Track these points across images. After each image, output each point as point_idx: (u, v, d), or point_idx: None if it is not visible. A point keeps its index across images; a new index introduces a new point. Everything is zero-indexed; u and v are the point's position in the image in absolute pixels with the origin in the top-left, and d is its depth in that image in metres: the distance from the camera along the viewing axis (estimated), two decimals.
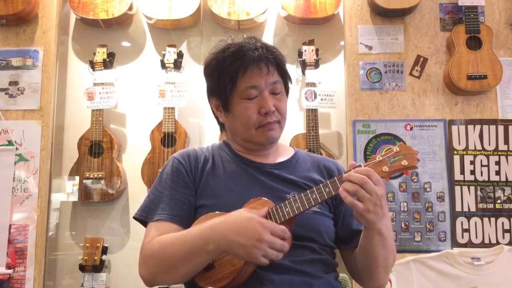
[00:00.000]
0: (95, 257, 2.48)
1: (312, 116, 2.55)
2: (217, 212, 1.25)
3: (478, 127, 2.51)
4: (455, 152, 2.50)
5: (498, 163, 2.48)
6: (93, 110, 2.62)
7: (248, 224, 1.11)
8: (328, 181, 1.19)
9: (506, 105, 2.54)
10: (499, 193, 2.46)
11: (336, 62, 2.78)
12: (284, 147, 1.50)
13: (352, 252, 1.37)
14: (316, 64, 2.61)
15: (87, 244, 2.51)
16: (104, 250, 2.54)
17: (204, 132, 2.74)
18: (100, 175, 2.56)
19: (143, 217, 1.34)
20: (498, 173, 2.47)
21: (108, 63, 2.67)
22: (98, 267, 2.49)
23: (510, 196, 2.46)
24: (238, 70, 1.30)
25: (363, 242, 1.26)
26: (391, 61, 2.60)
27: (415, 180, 2.48)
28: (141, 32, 2.84)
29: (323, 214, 1.33)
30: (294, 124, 2.66)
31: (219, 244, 1.13)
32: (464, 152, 2.49)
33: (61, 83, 2.76)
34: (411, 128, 2.52)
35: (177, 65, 2.64)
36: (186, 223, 1.29)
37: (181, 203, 1.31)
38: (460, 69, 2.45)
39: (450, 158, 2.49)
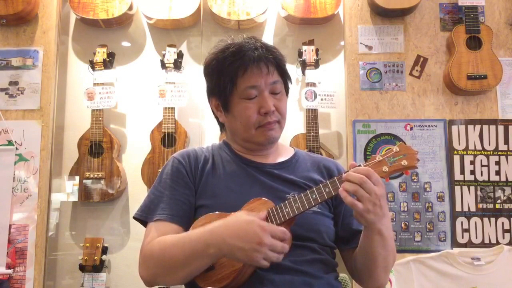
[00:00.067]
0: (95, 257, 2.48)
1: (312, 116, 2.55)
2: (217, 212, 1.25)
3: (478, 127, 2.51)
4: (455, 152, 2.50)
5: (498, 163, 2.48)
6: (93, 110, 2.62)
7: (248, 227, 1.10)
8: (328, 181, 1.19)
9: (506, 105, 2.54)
10: (499, 193, 2.46)
11: (336, 62, 2.77)
12: (284, 147, 1.50)
13: (352, 252, 1.37)
14: (316, 64, 2.61)
15: (87, 244, 2.51)
16: (104, 250, 2.54)
17: (204, 132, 2.74)
18: (100, 175, 2.56)
19: (143, 217, 1.34)
20: (498, 173, 2.47)
21: (108, 63, 2.67)
22: (98, 267, 2.48)
23: (510, 196, 2.46)
24: (238, 70, 1.30)
25: (363, 242, 1.26)
26: (391, 61, 2.60)
27: (415, 180, 2.48)
28: (141, 32, 2.84)
29: (323, 214, 1.33)
30: (294, 124, 2.66)
31: (220, 248, 1.13)
32: (464, 152, 2.49)
33: (61, 83, 2.76)
34: (411, 128, 2.52)
35: (177, 65, 2.64)
36: (186, 223, 1.29)
37: (181, 203, 1.31)
38: (460, 69, 2.45)
39: (450, 158, 2.49)
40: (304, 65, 2.61)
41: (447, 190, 2.47)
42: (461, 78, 2.44)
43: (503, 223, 2.43)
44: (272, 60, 1.33)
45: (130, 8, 2.67)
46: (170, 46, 2.67)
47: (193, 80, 2.71)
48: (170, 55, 2.64)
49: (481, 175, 2.47)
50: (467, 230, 2.43)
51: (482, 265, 2.26)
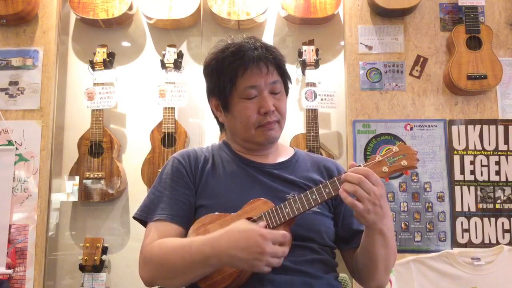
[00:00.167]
0: (95, 257, 2.48)
1: (312, 116, 2.55)
2: (216, 213, 1.25)
3: (478, 127, 2.51)
4: (455, 152, 2.50)
5: (498, 163, 2.48)
6: (93, 110, 2.62)
7: (249, 237, 1.09)
8: (328, 182, 1.19)
9: (506, 105, 2.54)
10: (499, 193, 2.46)
11: (336, 62, 2.77)
12: (284, 147, 1.50)
13: (353, 252, 1.37)
14: (316, 64, 2.61)
15: (87, 244, 2.51)
16: (104, 250, 2.54)
17: (204, 132, 2.74)
18: (100, 175, 2.56)
19: (143, 217, 1.34)
20: (498, 173, 2.47)
21: (108, 63, 2.67)
22: (98, 267, 2.48)
23: (510, 196, 2.46)
24: (238, 70, 1.30)
25: (364, 242, 1.26)
26: (391, 61, 2.60)
27: (415, 180, 2.48)
28: (141, 32, 2.84)
29: (323, 214, 1.33)
30: (294, 124, 2.66)
31: (221, 259, 1.13)
32: (464, 152, 2.49)
33: (61, 83, 2.76)
34: (411, 128, 2.52)
35: (177, 65, 2.64)
36: (186, 223, 1.29)
37: (181, 203, 1.31)
38: (460, 69, 2.45)
39: (450, 158, 2.49)
40: (304, 65, 2.61)
41: (447, 190, 2.47)
42: (461, 78, 2.44)
43: (503, 223, 2.43)
44: (272, 60, 1.33)
45: (130, 8, 2.67)
46: (170, 46, 2.67)
47: (193, 80, 2.71)
48: (170, 55, 2.64)
49: (481, 175, 2.47)
50: (467, 230, 2.43)
51: (482, 265, 2.26)
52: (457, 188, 2.46)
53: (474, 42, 2.49)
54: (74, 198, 2.56)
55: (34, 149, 2.54)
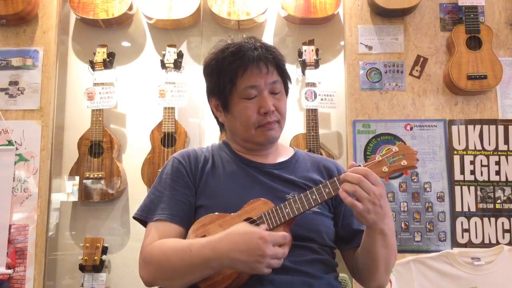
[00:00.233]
0: (95, 257, 2.48)
1: (312, 116, 2.55)
2: (216, 213, 1.25)
3: (478, 127, 2.51)
4: (455, 152, 2.50)
5: (498, 163, 2.48)
6: (93, 110, 2.62)
7: (250, 240, 1.09)
8: (328, 182, 1.19)
9: (506, 105, 2.54)
10: (499, 193, 2.46)
11: (336, 62, 2.77)
12: (284, 147, 1.50)
13: (353, 252, 1.37)
14: (316, 64, 2.61)
15: (87, 244, 2.51)
16: (104, 250, 2.54)
17: (204, 132, 2.74)
18: (100, 175, 2.56)
19: (143, 217, 1.33)
20: (498, 173, 2.47)
21: (108, 63, 2.67)
22: (98, 267, 2.49)
23: (510, 196, 2.46)
24: (238, 70, 1.30)
25: (365, 242, 1.26)
26: (391, 61, 2.60)
27: (415, 180, 2.48)
28: (141, 32, 2.84)
29: (322, 214, 1.33)
30: (294, 124, 2.66)
31: (221, 262, 1.13)
32: (464, 152, 2.49)
33: (61, 83, 2.76)
34: (411, 128, 2.52)
35: (177, 65, 2.64)
36: (186, 223, 1.29)
37: (181, 203, 1.31)
38: (460, 69, 2.45)
39: (450, 158, 2.49)
40: (304, 65, 2.61)
41: (447, 190, 2.47)
42: (461, 78, 2.44)
43: (503, 223, 2.43)
44: (272, 60, 1.33)
45: (130, 8, 2.67)
46: (170, 46, 2.67)
47: (193, 80, 2.71)
48: (170, 55, 2.64)
49: (481, 175, 2.47)
50: (467, 230, 2.43)
51: (482, 265, 2.26)
52: (457, 188, 2.47)
53: (474, 42, 2.49)
54: (74, 198, 2.56)
55: (34, 149, 2.54)
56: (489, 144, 2.49)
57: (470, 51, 2.47)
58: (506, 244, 2.36)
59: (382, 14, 2.60)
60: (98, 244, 2.51)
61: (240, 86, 1.31)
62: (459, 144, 2.50)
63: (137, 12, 2.79)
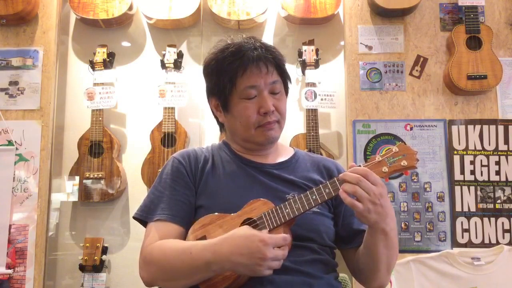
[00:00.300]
0: (95, 257, 2.48)
1: (312, 116, 2.55)
2: (216, 213, 1.25)
3: (478, 127, 2.51)
4: (455, 152, 2.49)
5: (498, 163, 2.48)
6: (93, 110, 2.62)
7: (250, 243, 1.09)
8: (328, 182, 1.18)
9: (506, 105, 2.54)
10: (499, 193, 2.46)
11: (336, 62, 2.77)
12: (284, 147, 1.50)
13: (354, 252, 1.37)
14: (316, 64, 2.61)
15: (87, 244, 2.51)
16: (104, 250, 2.54)
17: (204, 132, 2.74)
18: (100, 175, 2.56)
19: (143, 217, 1.33)
20: (498, 173, 2.47)
21: (108, 63, 2.67)
22: (98, 267, 2.49)
23: (510, 196, 2.46)
24: (238, 70, 1.30)
25: (366, 242, 1.26)
26: (391, 61, 2.60)
27: (415, 180, 2.48)
28: (141, 32, 2.84)
29: (322, 214, 1.33)
30: (294, 124, 2.66)
31: (222, 266, 1.13)
32: (464, 152, 2.49)
33: (61, 83, 2.76)
34: (411, 128, 2.52)
35: (177, 65, 2.64)
36: (186, 224, 1.29)
37: (181, 203, 1.31)
38: (460, 69, 2.45)
39: (450, 158, 2.49)
40: (304, 65, 2.61)
41: (447, 190, 2.47)
42: (461, 78, 2.44)
43: (503, 223, 2.43)
44: (272, 60, 1.33)
45: (130, 8, 2.67)
46: (170, 46, 2.67)
47: (193, 80, 2.71)
48: (170, 55, 2.64)
49: (481, 175, 2.47)
50: (467, 230, 2.43)
51: (482, 265, 2.26)
52: (457, 188, 2.46)
53: (474, 42, 2.49)
54: (74, 198, 2.56)
55: (34, 149, 2.54)
56: (489, 144, 2.49)
57: (470, 51, 2.47)
58: (506, 244, 2.36)
59: (382, 14, 2.60)
60: (98, 244, 2.51)
61: (240, 86, 1.31)
62: (459, 144, 2.50)
63: (137, 12, 2.79)
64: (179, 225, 1.29)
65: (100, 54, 2.66)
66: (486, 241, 2.42)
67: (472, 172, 2.47)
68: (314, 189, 1.19)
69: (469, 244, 2.41)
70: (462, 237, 2.42)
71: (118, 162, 2.63)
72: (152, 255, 1.23)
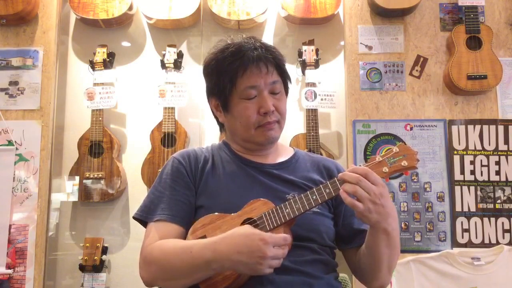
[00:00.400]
0: (95, 257, 2.49)
1: (312, 116, 2.55)
2: (216, 213, 1.25)
3: (478, 127, 2.51)
4: (455, 152, 2.50)
5: (498, 163, 2.48)
6: (93, 110, 2.62)
7: (250, 242, 1.09)
8: (328, 182, 1.19)
9: (506, 105, 2.54)
10: (499, 193, 2.46)
11: (336, 62, 2.77)
12: (284, 147, 1.50)
13: (354, 252, 1.37)
14: (316, 64, 2.61)
15: (87, 244, 2.51)
16: (104, 250, 2.54)
17: (204, 132, 2.74)
18: (100, 175, 2.56)
19: (143, 217, 1.33)
20: (498, 173, 2.47)
21: (108, 63, 2.67)
22: (98, 267, 2.49)
23: (510, 196, 2.46)
24: (238, 70, 1.30)
25: (368, 242, 1.26)
26: (391, 61, 2.60)
27: (415, 180, 2.48)
28: (141, 32, 2.84)
29: (323, 214, 1.33)
30: (294, 124, 2.66)
31: (222, 265, 1.13)
32: (464, 152, 2.49)
33: (61, 83, 2.76)
34: (411, 128, 2.52)
35: (177, 65, 2.64)
36: (186, 224, 1.29)
37: (181, 204, 1.31)
38: (460, 69, 2.45)
39: (450, 158, 2.49)
40: (304, 65, 2.61)
41: (447, 190, 2.47)
42: (461, 78, 2.44)
43: (503, 223, 2.43)
44: (272, 60, 1.33)
45: (130, 8, 2.67)
46: (170, 46, 2.67)
47: (193, 80, 2.71)
48: (170, 55, 2.64)
49: (481, 175, 2.47)
50: (467, 230, 2.43)
51: (482, 265, 2.26)
52: (457, 188, 2.46)
53: (474, 42, 2.49)
54: (74, 198, 2.56)
55: (34, 149, 2.54)
56: (489, 144, 2.49)
57: (470, 51, 2.47)
58: (506, 244, 2.36)
59: (382, 14, 2.60)
60: (98, 244, 2.51)
61: (240, 86, 1.31)
62: (459, 144, 2.50)
63: (137, 12, 2.79)
64: (179, 225, 1.29)
65: (100, 54, 2.66)
66: (486, 241, 2.42)
67: (472, 172, 2.47)
68: (314, 189, 1.19)
69: (469, 244, 2.41)
70: (462, 237, 2.42)
71: (118, 162, 2.63)
72: (152, 254, 1.23)
